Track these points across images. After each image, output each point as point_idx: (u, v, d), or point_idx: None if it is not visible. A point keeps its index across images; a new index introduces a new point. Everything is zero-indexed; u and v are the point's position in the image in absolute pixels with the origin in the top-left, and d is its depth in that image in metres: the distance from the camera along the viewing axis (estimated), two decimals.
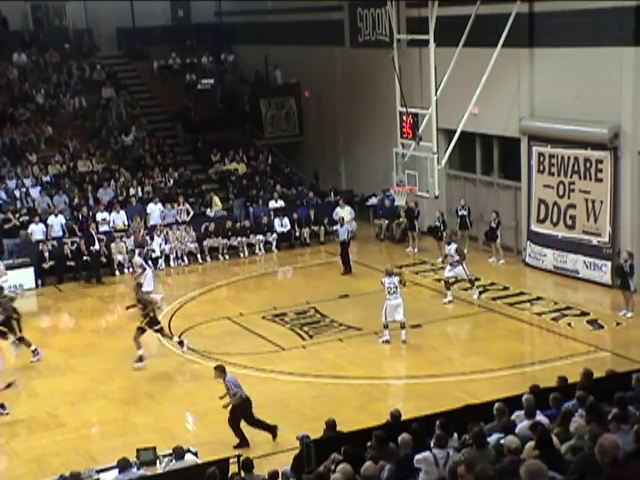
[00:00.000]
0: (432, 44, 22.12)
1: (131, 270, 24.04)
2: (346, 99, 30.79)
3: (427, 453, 9.33)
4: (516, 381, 15.61)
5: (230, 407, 14.11)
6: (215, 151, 31.20)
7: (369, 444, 10.16)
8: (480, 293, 21.54)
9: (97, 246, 24.84)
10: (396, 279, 18.64)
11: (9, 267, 24.07)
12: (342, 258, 24.56)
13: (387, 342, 18.63)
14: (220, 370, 14.29)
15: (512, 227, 24.71)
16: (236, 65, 36.56)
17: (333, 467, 9.28)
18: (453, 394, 15.45)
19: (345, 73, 30.79)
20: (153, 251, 25.86)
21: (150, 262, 25.73)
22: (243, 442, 13.98)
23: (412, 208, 26.24)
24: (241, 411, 14.07)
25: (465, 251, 22.39)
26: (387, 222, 27.86)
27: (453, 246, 21.33)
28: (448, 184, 26.56)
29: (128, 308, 19.52)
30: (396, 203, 26.36)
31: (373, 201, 29.33)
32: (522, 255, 24.19)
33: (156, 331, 18.51)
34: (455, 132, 23.23)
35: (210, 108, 33.62)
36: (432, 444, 9.55)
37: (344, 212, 28.39)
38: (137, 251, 23.75)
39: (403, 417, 11.64)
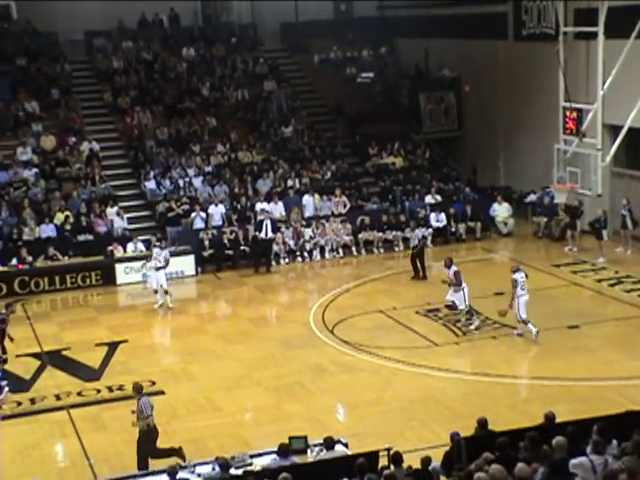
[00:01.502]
0: (601, 36, 21.43)
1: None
2: (507, 94, 30.20)
3: (584, 459, 9.03)
4: None
5: (138, 435, 13.26)
6: (373, 144, 31.30)
7: (522, 445, 9.94)
8: (476, 328, 19.21)
9: (263, 234, 25.28)
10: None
11: (172, 254, 24.87)
12: (412, 263, 23.81)
13: (520, 335, 18.61)
14: (136, 390, 13.48)
15: None
16: (396, 59, 36.53)
17: (485, 466, 9.14)
18: (612, 399, 14.92)
19: (507, 67, 30.19)
20: (307, 242, 26.22)
21: (305, 253, 26.21)
22: (143, 466, 13.11)
23: (576, 206, 25.46)
24: (148, 440, 13.22)
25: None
26: (546, 220, 27.17)
27: (453, 269, 19.49)
28: (612, 182, 25.62)
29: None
30: (556, 201, 25.73)
31: (532, 198, 28.65)
32: None
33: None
34: (622, 128, 22.40)
35: (369, 101, 33.73)
36: (589, 450, 9.24)
37: (501, 209, 27.99)
38: (155, 242, 23.32)
39: (557, 420, 11.32)
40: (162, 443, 14.60)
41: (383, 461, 11.17)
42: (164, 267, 22.27)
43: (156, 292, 22.34)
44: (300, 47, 36.21)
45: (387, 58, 36.29)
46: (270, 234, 25.36)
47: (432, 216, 27.31)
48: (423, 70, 34.61)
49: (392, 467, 10.71)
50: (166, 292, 22.25)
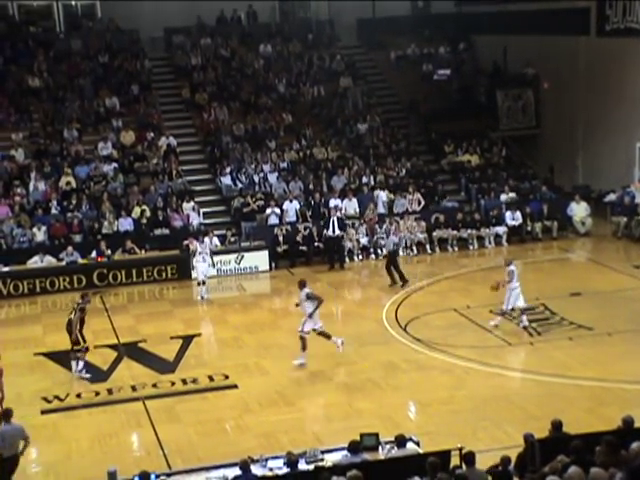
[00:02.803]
0: None
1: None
2: (588, 91, 29.65)
3: None
4: None
5: None
6: (449, 142, 31.07)
7: (598, 449, 9.76)
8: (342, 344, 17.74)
9: (330, 232, 25.30)
10: None
11: (246, 249, 25.18)
12: (387, 269, 23.18)
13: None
14: (4, 415, 12.69)
15: None
16: (473, 56, 36.18)
17: (559, 468, 9.01)
18: None
19: (588, 64, 29.63)
20: (382, 239, 26.16)
21: (379, 250, 26.14)
22: None
23: None
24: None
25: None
26: (625, 220, 26.61)
27: (305, 291, 17.61)
28: None
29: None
30: (637, 200, 25.20)
31: (611, 197, 28.10)
32: None
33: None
34: None
35: (445, 99, 33.50)
36: None
37: (579, 208, 27.51)
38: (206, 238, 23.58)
39: (636, 425, 11.08)
40: (235, 437, 14.75)
41: (455, 460, 11.09)
42: (203, 260, 22.95)
43: (199, 284, 22.90)
44: (377, 44, 36.11)
45: (464, 55, 35.97)
46: (337, 231, 25.36)
47: (507, 214, 27.03)
48: (501, 67, 34.21)
49: (464, 467, 10.64)
50: (203, 282, 22.86)
